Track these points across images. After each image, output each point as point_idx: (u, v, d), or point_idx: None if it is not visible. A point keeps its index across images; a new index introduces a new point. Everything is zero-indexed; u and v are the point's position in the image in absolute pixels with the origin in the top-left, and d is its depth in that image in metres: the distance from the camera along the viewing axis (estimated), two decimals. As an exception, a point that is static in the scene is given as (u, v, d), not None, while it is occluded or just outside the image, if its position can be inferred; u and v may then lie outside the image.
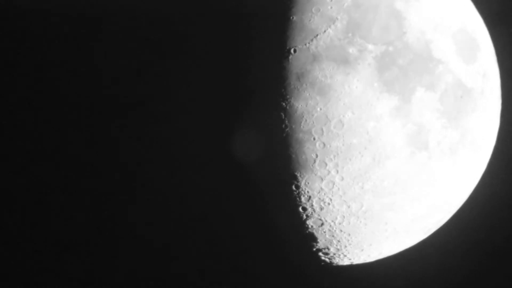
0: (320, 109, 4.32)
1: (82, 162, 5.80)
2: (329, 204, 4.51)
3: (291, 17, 4.38)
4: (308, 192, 4.48)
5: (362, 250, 4.88)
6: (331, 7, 4.38)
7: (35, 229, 6.36)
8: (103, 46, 5.35)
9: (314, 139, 4.36)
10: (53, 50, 5.81)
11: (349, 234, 4.69)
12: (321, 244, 4.78)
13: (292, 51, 4.34)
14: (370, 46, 4.34)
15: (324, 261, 4.99)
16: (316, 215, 4.58)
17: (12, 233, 6.39)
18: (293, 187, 4.47)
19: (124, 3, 5.16)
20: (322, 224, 4.62)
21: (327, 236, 4.70)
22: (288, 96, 4.33)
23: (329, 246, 4.80)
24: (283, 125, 4.35)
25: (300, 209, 4.56)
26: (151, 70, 4.74)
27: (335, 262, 5.03)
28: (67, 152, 5.86)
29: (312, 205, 4.53)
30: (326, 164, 4.39)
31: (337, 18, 4.36)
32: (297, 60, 4.33)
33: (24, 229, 6.37)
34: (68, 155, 5.86)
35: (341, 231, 4.66)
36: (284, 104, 4.33)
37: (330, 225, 4.63)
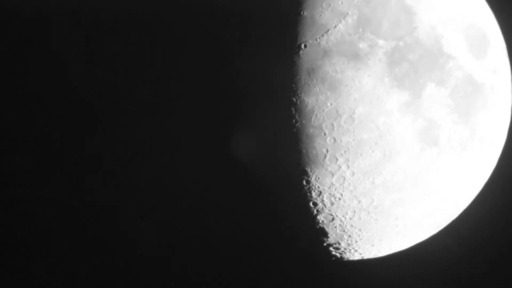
0: (331, 104, 4.33)
1: (82, 162, 5.81)
2: (339, 199, 4.52)
3: (302, 12, 4.39)
4: (318, 187, 4.49)
5: (373, 245, 4.89)
6: (342, 2, 4.39)
7: (34, 229, 6.38)
8: (103, 47, 5.36)
9: (324, 134, 4.37)
10: (50, 51, 5.83)
11: (360, 229, 4.70)
12: (332, 239, 4.79)
13: (302, 46, 4.35)
14: (381, 42, 4.35)
15: (335, 256, 5.00)
16: (327, 210, 4.59)
17: (10, 234, 6.42)
18: (304, 182, 4.48)
19: (125, 4, 5.17)
20: (333, 219, 4.63)
21: (338, 231, 4.71)
22: (298, 91, 4.34)
23: (340, 241, 4.80)
24: (294, 120, 4.36)
25: (311, 204, 4.57)
26: (158, 70, 4.76)
27: (346, 257, 5.04)
28: (66, 153, 5.87)
29: (323, 200, 4.54)
30: (336, 159, 4.40)
31: (347, 13, 4.37)
32: (307, 56, 4.34)
33: (23, 229, 6.40)
34: (68, 155, 5.88)
35: (352, 226, 4.67)
36: (294, 99, 4.34)
37: (341, 220, 4.63)
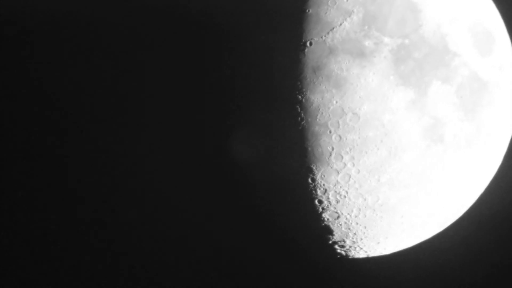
0: (336, 102, 4.33)
1: (81, 163, 5.82)
2: (345, 197, 4.52)
3: (307, 10, 4.39)
4: (324, 185, 4.49)
5: (378, 243, 4.89)
6: (347, 0, 4.39)
7: (33, 228, 6.40)
8: (102, 46, 5.37)
9: (330, 132, 4.37)
10: (45, 51, 5.84)
11: (365, 227, 4.70)
12: (337, 236, 4.79)
13: (308, 44, 4.35)
14: (386, 39, 4.34)
15: (340, 253, 5.00)
16: (332, 208, 4.59)
17: (10, 234, 6.43)
18: (309, 180, 4.48)
19: (125, 3, 5.17)
20: (338, 217, 4.63)
21: (343, 228, 4.71)
22: (304, 89, 4.34)
23: (345, 239, 4.81)
24: (299, 118, 4.37)
25: (316, 202, 4.57)
26: (154, 69, 4.76)
27: (351, 255, 5.04)
28: (65, 153, 5.88)
29: (328, 198, 4.54)
30: (342, 157, 4.40)
31: (353, 11, 4.36)
32: (313, 53, 4.33)
33: (22, 229, 6.41)
34: (66, 155, 5.89)
35: (357, 224, 4.67)
36: (300, 97, 4.34)
37: (346, 218, 4.63)
